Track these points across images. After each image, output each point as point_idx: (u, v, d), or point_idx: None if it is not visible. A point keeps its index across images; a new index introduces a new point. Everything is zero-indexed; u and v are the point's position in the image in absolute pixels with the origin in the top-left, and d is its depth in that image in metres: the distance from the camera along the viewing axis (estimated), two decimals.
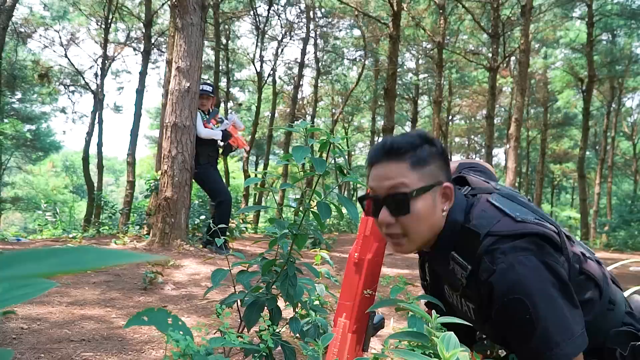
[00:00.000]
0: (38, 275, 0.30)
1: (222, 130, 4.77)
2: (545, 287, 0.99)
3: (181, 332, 1.00)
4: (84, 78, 17.43)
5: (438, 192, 1.14)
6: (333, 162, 1.42)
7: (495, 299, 1.03)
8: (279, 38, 17.38)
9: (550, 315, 0.98)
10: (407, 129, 23.16)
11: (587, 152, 19.19)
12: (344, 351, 1.25)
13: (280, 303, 1.55)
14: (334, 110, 21.99)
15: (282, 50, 17.69)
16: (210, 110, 4.99)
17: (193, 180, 4.82)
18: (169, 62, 7.94)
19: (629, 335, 1.11)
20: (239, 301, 1.55)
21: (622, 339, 1.11)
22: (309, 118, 19.66)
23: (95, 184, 14.98)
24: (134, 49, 17.56)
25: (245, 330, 1.47)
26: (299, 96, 18.81)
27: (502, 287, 1.01)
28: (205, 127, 4.76)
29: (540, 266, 1.01)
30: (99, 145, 14.92)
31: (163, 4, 14.50)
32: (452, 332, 0.88)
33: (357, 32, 18.12)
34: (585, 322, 1.03)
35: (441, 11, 13.17)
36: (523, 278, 0.99)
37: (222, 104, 16.56)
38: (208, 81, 5.54)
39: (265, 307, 1.49)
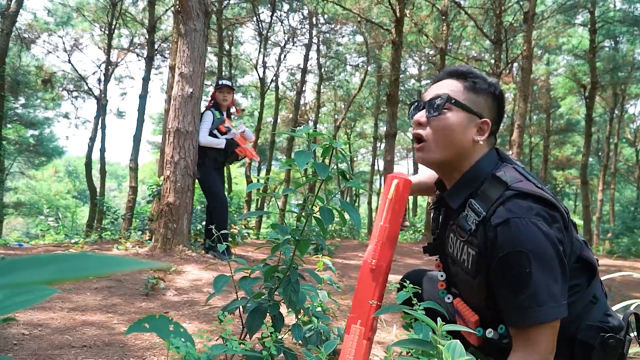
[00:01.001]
0: (38, 282, 0.29)
1: (226, 139, 4.72)
2: (550, 252, 1.06)
3: (182, 339, 0.99)
4: (87, 83, 17.49)
5: (476, 121, 1.23)
6: (335, 167, 1.41)
7: (500, 247, 1.09)
8: (282, 44, 17.44)
9: (545, 276, 1.05)
10: (410, 135, 23.16)
11: (590, 159, 19.15)
12: (360, 358, 1.25)
13: (283, 309, 1.54)
14: (336, 116, 22.01)
15: (284, 56, 17.75)
16: (231, 107, 4.94)
17: (195, 186, 4.81)
18: (172, 68, 7.97)
19: (599, 329, 1.17)
20: (241, 307, 1.54)
21: (593, 333, 1.17)
22: (311, 124, 19.66)
23: (98, 189, 15.00)
24: (137, 55, 17.64)
25: (248, 337, 1.46)
26: (302, 102, 18.83)
27: (511, 238, 1.07)
28: (219, 129, 4.72)
29: (550, 233, 1.07)
30: (102, 150, 14.96)
31: (166, 10, 14.58)
32: (458, 340, 0.87)
33: (359, 38, 18.18)
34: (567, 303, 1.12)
35: (444, 17, 13.20)
36: (534, 236, 1.06)
37: None
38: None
39: (268, 314, 1.48)
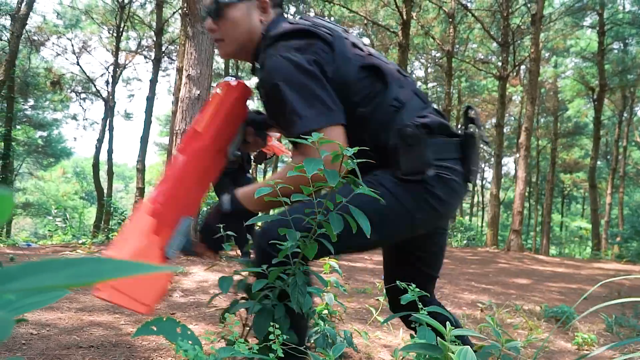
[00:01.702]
0: (55, 287, 0.30)
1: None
2: (300, 76, 1.19)
3: (190, 342, 0.99)
4: (95, 85, 17.63)
5: (254, 4, 1.37)
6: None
7: (263, 86, 1.26)
8: None
9: (300, 95, 1.19)
10: None
11: (598, 162, 19.03)
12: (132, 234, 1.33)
13: None
14: None
15: None
16: None
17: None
18: (179, 70, 8.01)
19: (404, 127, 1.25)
20: (246, 309, 1.54)
21: (398, 132, 1.24)
22: None
23: (105, 190, 15.09)
24: (145, 57, 17.77)
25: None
26: None
27: (265, 77, 1.24)
28: None
29: (299, 59, 1.20)
30: (109, 151, 15.06)
31: (174, 13, 14.65)
32: (469, 347, 0.87)
33: (366, 41, 18.20)
34: (364, 112, 1.25)
35: (450, 20, 13.18)
36: (282, 69, 1.21)
37: None
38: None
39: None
